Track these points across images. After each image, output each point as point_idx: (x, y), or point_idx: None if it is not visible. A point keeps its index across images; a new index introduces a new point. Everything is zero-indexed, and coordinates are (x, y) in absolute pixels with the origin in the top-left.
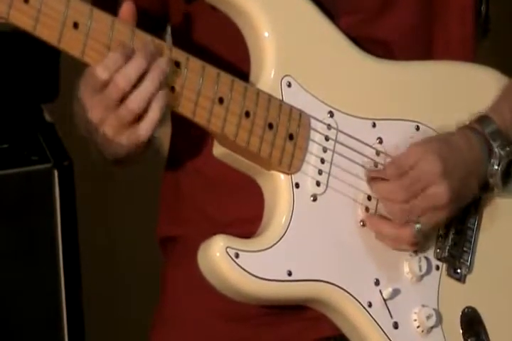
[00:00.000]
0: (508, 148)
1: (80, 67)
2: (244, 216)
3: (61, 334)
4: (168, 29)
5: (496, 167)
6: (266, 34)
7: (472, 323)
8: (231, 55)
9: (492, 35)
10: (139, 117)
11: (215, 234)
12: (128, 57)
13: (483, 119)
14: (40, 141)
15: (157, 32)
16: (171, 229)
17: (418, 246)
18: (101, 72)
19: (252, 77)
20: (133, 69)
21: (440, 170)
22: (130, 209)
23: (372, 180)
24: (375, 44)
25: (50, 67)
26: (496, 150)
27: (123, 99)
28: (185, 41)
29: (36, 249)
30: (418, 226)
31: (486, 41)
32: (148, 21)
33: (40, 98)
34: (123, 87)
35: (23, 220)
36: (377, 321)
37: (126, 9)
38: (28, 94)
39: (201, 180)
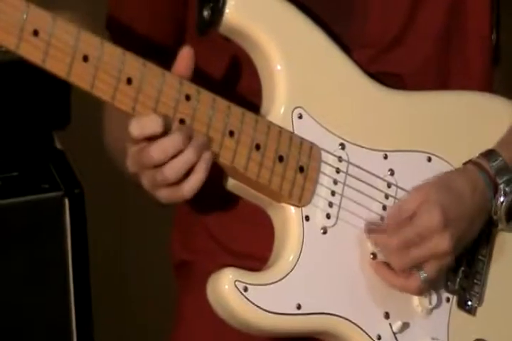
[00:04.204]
0: None
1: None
2: (259, 249)
3: None
4: None
5: (500, 203)
6: (278, 67)
7: None
8: (243, 87)
9: (504, 64)
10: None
11: (228, 263)
12: (164, 128)
13: (489, 154)
14: (51, 169)
15: (169, 64)
16: (185, 255)
17: (425, 291)
18: (133, 128)
19: (263, 109)
20: (170, 145)
21: (440, 222)
22: (143, 236)
23: (371, 232)
24: (388, 76)
25: (62, 94)
26: (501, 186)
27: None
28: (196, 72)
29: (47, 278)
30: (423, 275)
31: (497, 70)
32: (162, 54)
33: (52, 125)
34: (156, 160)
35: (33, 248)
36: None
37: (186, 54)
38: (39, 121)
39: (216, 210)
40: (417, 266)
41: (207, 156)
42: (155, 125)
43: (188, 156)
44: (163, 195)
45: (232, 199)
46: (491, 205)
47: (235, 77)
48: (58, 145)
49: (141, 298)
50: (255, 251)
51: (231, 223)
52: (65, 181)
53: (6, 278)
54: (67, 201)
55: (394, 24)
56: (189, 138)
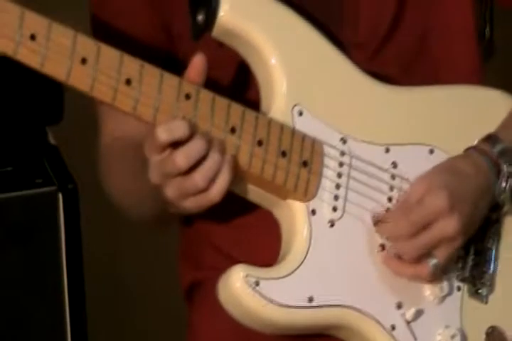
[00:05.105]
0: None
1: None
2: (266, 258)
3: None
4: None
5: (504, 184)
6: (275, 65)
7: None
8: (240, 91)
9: (500, 58)
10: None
11: None
12: (191, 132)
13: (490, 138)
14: (45, 164)
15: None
16: (195, 274)
17: (436, 278)
18: (160, 133)
19: (263, 108)
20: (194, 150)
21: (447, 204)
22: (138, 231)
23: (377, 224)
24: (380, 75)
25: (55, 89)
26: (504, 168)
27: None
28: None
29: (40, 273)
30: (434, 261)
31: (494, 63)
32: (158, 59)
33: (45, 121)
34: (183, 167)
35: (27, 243)
36: None
37: (198, 61)
38: (32, 116)
39: (221, 222)
40: (427, 252)
41: (229, 157)
42: (183, 128)
43: (215, 159)
44: (191, 203)
45: (236, 210)
46: (494, 188)
47: (231, 83)
48: (52, 141)
49: (138, 296)
50: (263, 260)
51: (236, 233)
52: (59, 176)
53: None
54: (60, 196)
55: (383, 24)
56: (209, 142)
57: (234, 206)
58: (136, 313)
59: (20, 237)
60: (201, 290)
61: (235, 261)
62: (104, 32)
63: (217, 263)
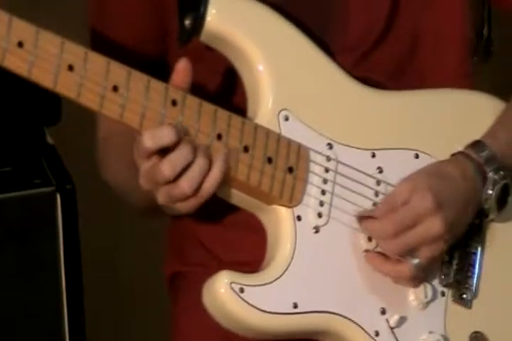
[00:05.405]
0: (501, 172)
1: None
2: (253, 257)
3: None
4: None
5: (490, 192)
6: (262, 70)
7: None
8: (228, 96)
9: (499, 58)
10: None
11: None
12: (177, 138)
13: (477, 145)
14: (43, 165)
15: (155, 72)
16: (179, 266)
17: (418, 280)
18: (146, 140)
19: (249, 113)
20: (180, 159)
21: (432, 204)
22: (136, 231)
23: (362, 220)
24: (369, 79)
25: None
26: (490, 175)
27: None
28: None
29: (38, 273)
30: (416, 261)
31: (493, 63)
32: (146, 63)
33: (43, 121)
34: (169, 176)
35: (25, 243)
36: None
37: (182, 66)
38: (30, 117)
39: (208, 221)
40: (410, 252)
41: (221, 156)
42: (169, 135)
43: (200, 165)
44: (182, 206)
45: (223, 209)
46: (480, 195)
47: (219, 87)
48: (50, 141)
49: (137, 294)
50: (249, 259)
51: (223, 232)
52: (57, 177)
53: None
54: (58, 196)
55: (375, 28)
56: (194, 148)
57: (221, 205)
58: (136, 311)
59: (19, 237)
60: (184, 282)
61: (220, 260)
62: (103, 29)
63: (202, 260)
